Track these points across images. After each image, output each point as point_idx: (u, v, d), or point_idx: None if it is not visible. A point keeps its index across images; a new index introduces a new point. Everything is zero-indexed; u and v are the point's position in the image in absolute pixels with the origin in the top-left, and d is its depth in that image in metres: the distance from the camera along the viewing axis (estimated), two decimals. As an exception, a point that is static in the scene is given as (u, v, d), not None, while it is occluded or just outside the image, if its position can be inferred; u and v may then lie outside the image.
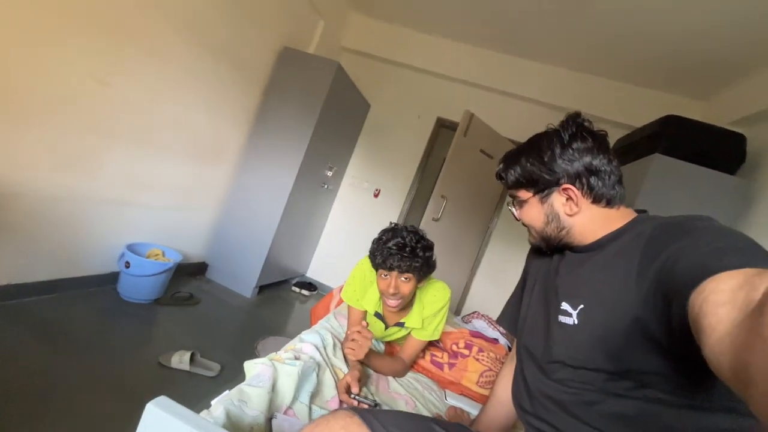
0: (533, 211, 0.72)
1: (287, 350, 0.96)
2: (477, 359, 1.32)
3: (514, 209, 0.78)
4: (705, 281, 0.38)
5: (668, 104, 2.71)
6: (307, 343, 1.01)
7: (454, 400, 1.11)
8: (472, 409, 1.09)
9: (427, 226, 2.76)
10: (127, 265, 1.94)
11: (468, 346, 1.39)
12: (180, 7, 1.89)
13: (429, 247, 1.11)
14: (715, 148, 2.02)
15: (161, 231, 2.31)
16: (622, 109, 2.86)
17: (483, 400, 1.20)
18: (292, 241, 2.94)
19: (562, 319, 0.65)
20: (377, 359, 1.12)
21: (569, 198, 0.67)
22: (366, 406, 0.86)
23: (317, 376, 0.88)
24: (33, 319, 1.57)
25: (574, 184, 0.66)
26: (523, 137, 3.24)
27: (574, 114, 0.69)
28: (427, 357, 1.31)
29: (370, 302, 1.20)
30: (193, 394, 1.46)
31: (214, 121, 2.39)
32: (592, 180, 0.65)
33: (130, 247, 2.04)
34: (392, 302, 1.09)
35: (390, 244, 1.03)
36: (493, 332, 2.02)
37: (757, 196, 1.97)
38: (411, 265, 1.04)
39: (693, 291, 0.39)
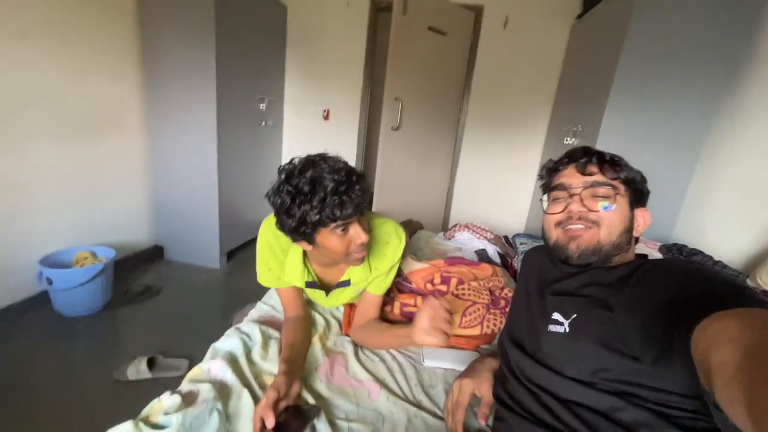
0: (621, 211, 0.64)
1: (189, 380, 0.71)
2: (456, 295, 1.09)
3: (591, 191, 0.64)
4: (707, 318, 0.38)
5: None
6: (218, 360, 0.75)
7: (433, 361, 0.89)
8: (455, 365, 0.89)
9: (387, 138, 2.37)
10: (50, 282, 1.65)
11: (445, 280, 1.15)
12: None
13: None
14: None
15: (84, 229, 1.96)
16: None
17: (469, 345, 0.99)
18: (245, 192, 2.59)
19: (552, 327, 0.64)
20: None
21: (642, 220, 0.67)
22: None
23: (223, 412, 0.64)
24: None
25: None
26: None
27: None
28: (396, 308, 1.08)
29: (294, 274, 0.92)
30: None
31: (85, 80, 1.85)
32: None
33: (48, 261, 1.73)
34: (361, 254, 0.83)
35: (331, 190, 0.71)
36: (479, 242, 1.79)
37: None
38: (366, 196, 0.77)
39: (695, 328, 0.39)
